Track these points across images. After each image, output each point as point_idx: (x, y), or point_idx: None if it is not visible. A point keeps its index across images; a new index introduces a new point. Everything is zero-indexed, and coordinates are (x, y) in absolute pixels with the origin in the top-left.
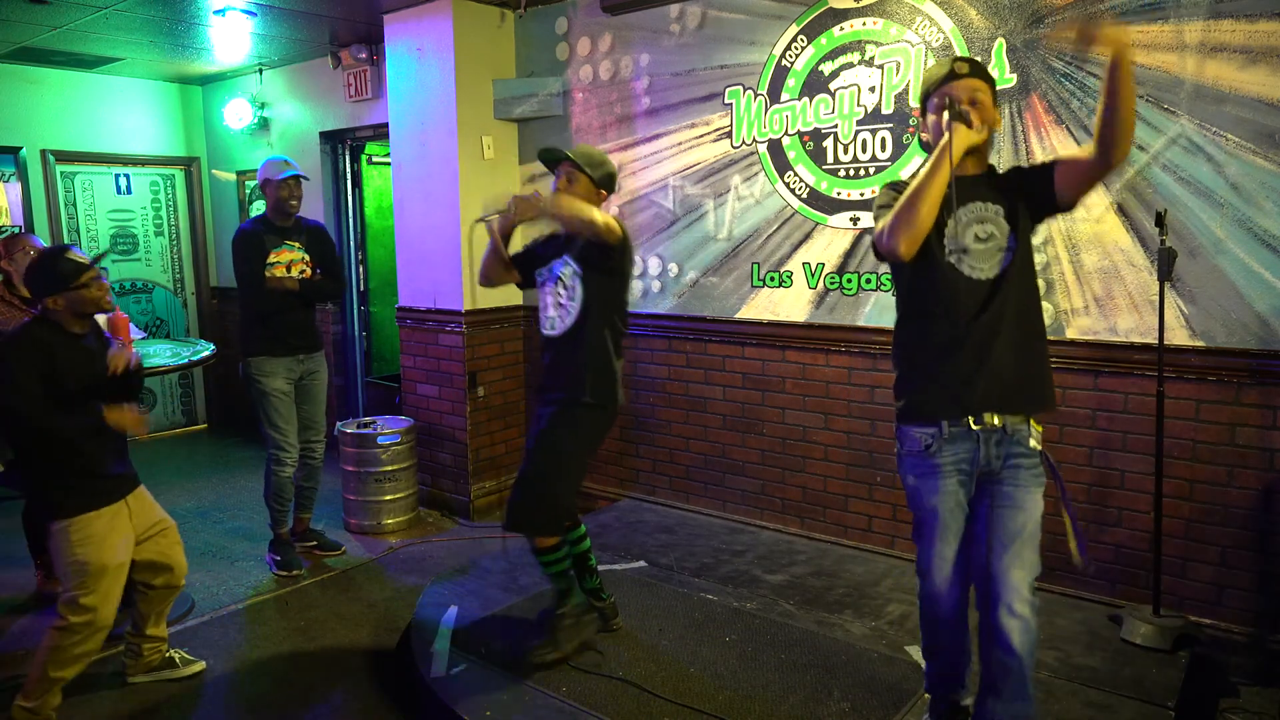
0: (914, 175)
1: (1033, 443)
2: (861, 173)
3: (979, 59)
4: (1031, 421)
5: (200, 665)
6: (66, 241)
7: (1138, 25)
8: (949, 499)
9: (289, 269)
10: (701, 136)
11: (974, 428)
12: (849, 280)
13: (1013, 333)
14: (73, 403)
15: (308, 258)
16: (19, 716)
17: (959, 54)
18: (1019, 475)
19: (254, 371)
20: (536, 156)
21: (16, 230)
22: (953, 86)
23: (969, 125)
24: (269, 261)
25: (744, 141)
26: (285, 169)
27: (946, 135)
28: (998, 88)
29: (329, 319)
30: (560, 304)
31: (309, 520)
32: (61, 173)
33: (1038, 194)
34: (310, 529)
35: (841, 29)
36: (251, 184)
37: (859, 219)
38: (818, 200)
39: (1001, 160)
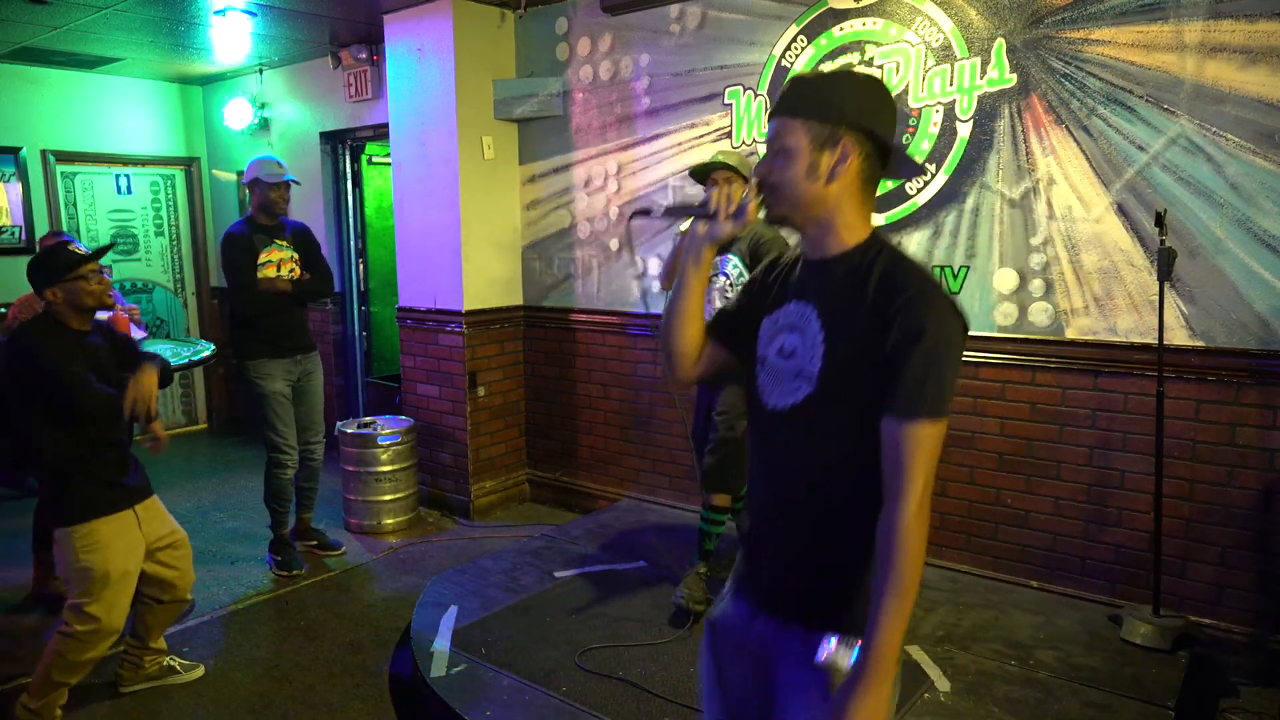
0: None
1: (824, 657)
2: None
3: (978, 59)
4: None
5: (200, 670)
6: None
7: (1138, 25)
8: (705, 659)
9: (279, 268)
10: (701, 137)
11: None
12: None
13: (806, 502)
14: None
15: (296, 256)
16: (22, 716)
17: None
18: (791, 699)
19: (253, 374)
20: (710, 169)
21: (16, 230)
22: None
23: (711, 216)
24: (260, 262)
25: (744, 142)
26: (280, 172)
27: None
28: (996, 88)
29: (329, 319)
30: (728, 297)
31: (310, 520)
32: (61, 173)
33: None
34: (311, 528)
35: (841, 29)
36: None
37: None
38: None
39: (1002, 163)
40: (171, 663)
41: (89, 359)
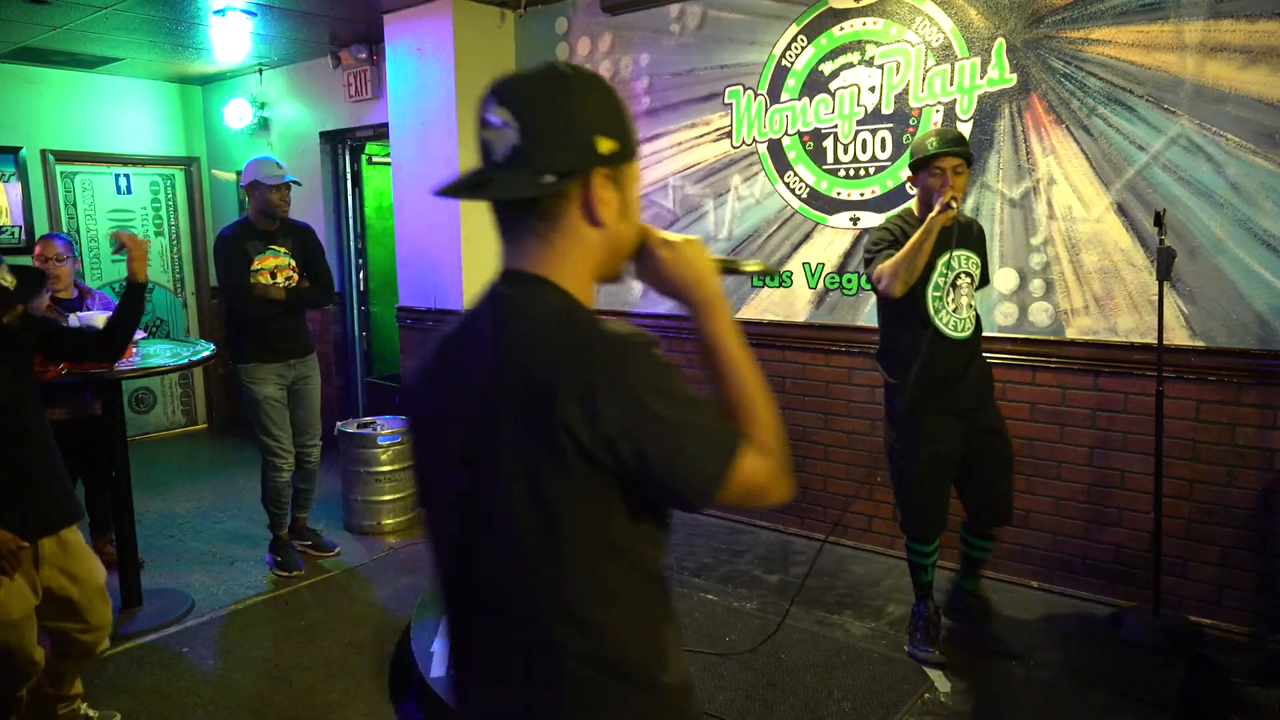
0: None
1: None
2: (861, 173)
3: (978, 59)
4: None
5: (117, 718)
6: None
7: (1138, 25)
8: None
9: (274, 275)
10: (701, 136)
11: None
12: (849, 280)
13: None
14: None
15: (294, 263)
16: None
17: (960, 54)
18: None
19: (245, 378)
20: (954, 146)
21: (16, 230)
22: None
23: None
24: (253, 268)
25: (744, 141)
26: (279, 173)
27: None
28: (996, 88)
29: (329, 319)
30: (969, 304)
31: (305, 520)
32: (61, 173)
33: None
34: (306, 528)
35: (841, 29)
36: None
37: (859, 219)
38: (818, 200)
39: (1002, 162)
40: (86, 711)
41: None
